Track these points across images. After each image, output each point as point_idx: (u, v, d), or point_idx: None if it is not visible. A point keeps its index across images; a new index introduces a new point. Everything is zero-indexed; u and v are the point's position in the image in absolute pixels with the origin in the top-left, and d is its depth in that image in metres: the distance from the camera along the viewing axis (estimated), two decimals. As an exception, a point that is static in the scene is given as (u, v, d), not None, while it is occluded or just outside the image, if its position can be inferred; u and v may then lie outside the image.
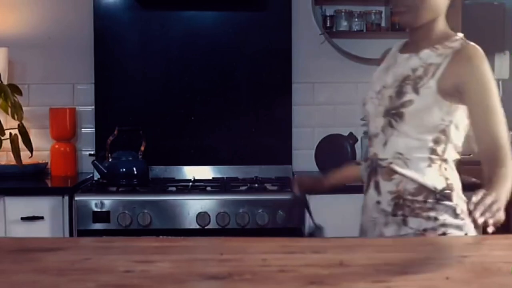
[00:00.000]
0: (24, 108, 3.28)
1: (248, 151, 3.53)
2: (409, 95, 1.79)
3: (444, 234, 1.78)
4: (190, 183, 3.23)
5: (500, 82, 4.18)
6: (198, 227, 2.90)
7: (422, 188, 1.81)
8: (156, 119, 3.52)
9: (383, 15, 3.59)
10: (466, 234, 1.78)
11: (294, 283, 1.26)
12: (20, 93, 3.31)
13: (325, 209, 2.88)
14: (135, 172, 3.19)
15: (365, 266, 1.39)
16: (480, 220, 1.50)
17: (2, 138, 3.20)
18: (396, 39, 2.11)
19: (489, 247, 1.53)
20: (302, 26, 3.57)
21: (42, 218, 2.92)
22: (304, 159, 3.53)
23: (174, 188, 3.13)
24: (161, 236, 2.69)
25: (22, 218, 2.91)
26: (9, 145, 3.18)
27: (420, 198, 1.81)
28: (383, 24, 3.59)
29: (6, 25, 3.50)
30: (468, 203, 1.55)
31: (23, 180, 3.24)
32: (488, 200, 1.52)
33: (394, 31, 3.47)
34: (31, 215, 2.91)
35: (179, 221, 2.91)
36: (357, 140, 3.42)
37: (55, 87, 3.54)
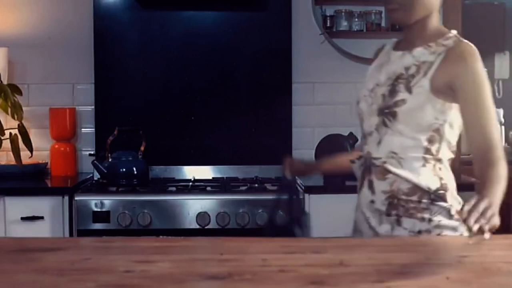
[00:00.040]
0: (24, 108, 3.28)
1: (248, 151, 3.53)
2: (402, 94, 1.78)
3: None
4: (190, 183, 3.23)
5: (500, 82, 4.21)
6: (198, 227, 2.90)
7: (416, 188, 1.79)
8: (156, 119, 3.52)
9: (383, 15, 3.58)
10: (461, 235, 1.76)
11: (294, 283, 1.26)
12: (20, 93, 3.31)
13: (324, 209, 2.90)
14: (135, 172, 3.19)
15: (365, 266, 1.39)
16: (475, 227, 1.48)
17: (2, 138, 3.20)
18: (396, 39, 2.10)
19: (489, 247, 1.52)
20: (302, 26, 3.57)
21: (42, 218, 2.92)
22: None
23: (174, 188, 3.13)
24: (161, 236, 2.69)
25: (22, 218, 2.91)
26: (9, 145, 3.18)
27: (414, 198, 1.79)
28: (383, 24, 3.59)
29: (6, 25, 3.50)
30: (460, 211, 1.52)
31: (23, 180, 3.24)
32: (482, 206, 1.50)
33: (394, 31, 3.46)
34: (31, 215, 2.91)
35: (179, 221, 2.91)
36: (357, 140, 3.41)
37: (55, 87, 3.54)
